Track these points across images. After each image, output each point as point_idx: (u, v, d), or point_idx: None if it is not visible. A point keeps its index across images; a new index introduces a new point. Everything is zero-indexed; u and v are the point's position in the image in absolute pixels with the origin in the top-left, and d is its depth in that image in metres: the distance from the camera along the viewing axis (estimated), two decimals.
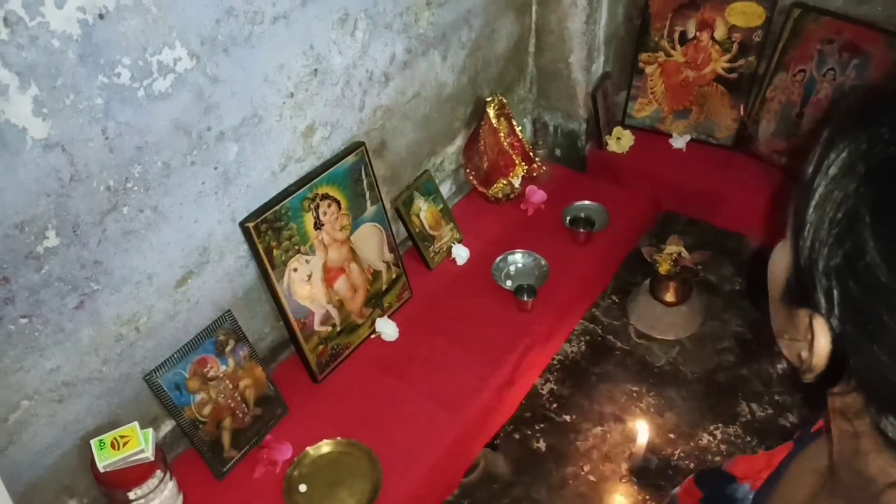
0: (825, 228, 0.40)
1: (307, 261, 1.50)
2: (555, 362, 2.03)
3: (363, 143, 1.58)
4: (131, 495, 1.20)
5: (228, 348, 1.39)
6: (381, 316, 1.70)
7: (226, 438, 1.40)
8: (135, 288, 1.24)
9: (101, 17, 1.00)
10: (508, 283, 1.82)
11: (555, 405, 1.95)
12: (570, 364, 2.05)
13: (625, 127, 2.27)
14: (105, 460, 1.18)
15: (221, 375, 1.38)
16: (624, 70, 2.29)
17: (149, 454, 1.21)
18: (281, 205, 1.42)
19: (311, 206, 1.49)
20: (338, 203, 1.55)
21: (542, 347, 1.73)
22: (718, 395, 1.95)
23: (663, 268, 1.97)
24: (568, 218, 1.98)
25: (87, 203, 1.10)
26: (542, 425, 1.90)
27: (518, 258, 1.88)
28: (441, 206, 1.90)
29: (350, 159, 1.55)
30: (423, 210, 1.84)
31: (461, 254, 1.88)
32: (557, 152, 2.32)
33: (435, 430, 1.48)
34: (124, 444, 1.19)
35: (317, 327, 1.55)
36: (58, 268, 1.10)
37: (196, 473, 1.38)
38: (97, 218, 1.12)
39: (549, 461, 1.82)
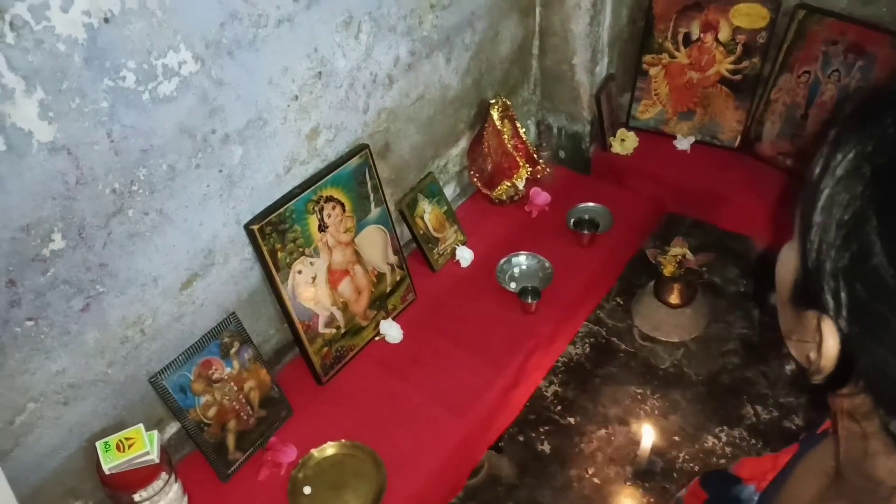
0: (832, 230, 0.40)
1: (311, 263, 1.51)
2: (559, 364, 2.03)
3: (367, 146, 1.58)
4: (136, 497, 1.20)
5: (233, 350, 1.40)
6: (385, 318, 1.70)
7: (230, 440, 1.40)
8: (140, 290, 1.25)
9: (106, 20, 1.00)
10: (512, 285, 1.82)
11: (559, 407, 1.95)
12: (575, 366, 2.05)
13: (629, 128, 2.27)
14: (110, 462, 1.18)
15: (226, 377, 1.39)
16: (628, 72, 2.29)
17: (154, 456, 1.21)
18: (285, 207, 1.42)
19: (316, 209, 1.49)
20: (342, 205, 1.55)
21: (547, 349, 1.73)
22: (723, 397, 1.94)
23: (668, 270, 1.96)
24: (572, 220, 1.97)
25: (92, 206, 1.10)
26: (546, 427, 1.90)
27: (522, 260, 1.88)
28: (445, 208, 1.90)
29: (354, 162, 1.55)
30: (428, 212, 1.84)
31: (465, 256, 1.88)
32: (561, 154, 2.32)
33: (439, 433, 1.48)
34: (129, 446, 1.20)
35: (321, 329, 1.55)
36: (63, 270, 1.10)
37: (201, 475, 1.38)
38: (103, 221, 1.13)
39: (553, 463, 1.82)
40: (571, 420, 1.91)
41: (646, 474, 1.77)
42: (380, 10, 1.50)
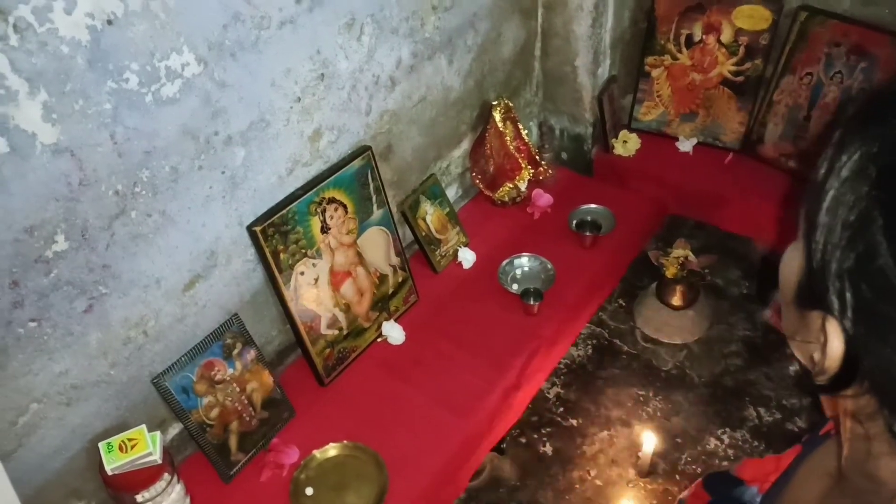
0: (837, 231, 0.40)
1: (314, 264, 1.51)
2: (561, 366, 2.03)
3: (370, 147, 1.59)
4: (139, 498, 1.21)
5: (236, 352, 1.40)
6: (387, 319, 1.70)
7: (233, 441, 1.40)
8: (143, 291, 1.25)
9: (109, 22, 1.00)
10: (515, 286, 1.82)
11: (561, 409, 1.95)
12: (577, 368, 2.05)
13: (631, 130, 2.27)
14: (113, 463, 1.18)
15: (229, 379, 1.39)
16: (630, 73, 2.29)
17: (156, 457, 1.21)
18: (288, 209, 1.42)
19: (318, 210, 1.49)
20: (344, 207, 1.55)
21: (549, 351, 1.73)
22: (725, 399, 1.94)
23: (670, 271, 1.96)
24: (574, 221, 1.97)
25: (95, 207, 1.10)
26: (548, 429, 1.90)
27: (524, 262, 1.88)
28: (447, 209, 1.90)
29: (357, 163, 1.55)
30: (430, 214, 1.84)
31: (467, 257, 1.88)
32: (563, 156, 2.32)
33: (441, 434, 1.48)
34: (132, 446, 1.20)
35: (323, 331, 1.55)
36: (66, 272, 1.10)
37: (203, 476, 1.38)
38: (106, 222, 1.13)
39: (555, 465, 1.82)
40: (574, 422, 1.91)
41: (648, 477, 1.76)
42: (382, 12, 1.50)
